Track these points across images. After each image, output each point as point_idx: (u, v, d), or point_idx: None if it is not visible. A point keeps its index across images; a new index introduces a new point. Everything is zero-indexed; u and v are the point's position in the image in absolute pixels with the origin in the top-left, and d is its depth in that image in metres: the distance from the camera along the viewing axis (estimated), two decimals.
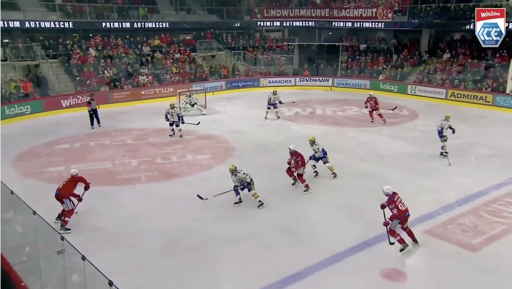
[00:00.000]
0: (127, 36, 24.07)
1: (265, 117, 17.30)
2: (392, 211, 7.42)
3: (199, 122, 15.16)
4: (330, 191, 10.33)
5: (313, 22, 28.17)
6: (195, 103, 18.61)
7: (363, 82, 24.71)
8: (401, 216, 7.42)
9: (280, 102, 17.13)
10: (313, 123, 16.86)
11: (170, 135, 14.78)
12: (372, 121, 16.68)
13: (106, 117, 17.35)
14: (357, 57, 26.68)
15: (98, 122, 16.29)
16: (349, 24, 26.79)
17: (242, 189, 9.29)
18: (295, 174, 10.18)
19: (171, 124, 14.69)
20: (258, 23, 28.45)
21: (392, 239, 7.53)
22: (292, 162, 10.01)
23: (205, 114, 18.10)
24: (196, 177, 11.29)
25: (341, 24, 27.07)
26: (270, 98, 17.11)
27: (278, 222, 8.78)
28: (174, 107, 14.64)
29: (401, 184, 10.60)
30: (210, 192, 9.79)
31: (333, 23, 27.33)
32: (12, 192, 6.21)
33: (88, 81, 20.32)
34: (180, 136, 14.61)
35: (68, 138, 14.78)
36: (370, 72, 25.42)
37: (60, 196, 8.29)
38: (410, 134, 15.54)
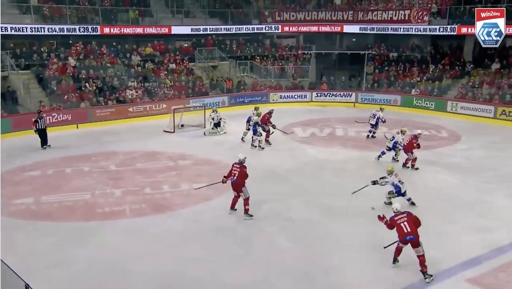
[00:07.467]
0: (114, 43, 24.51)
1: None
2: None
3: None
4: (356, 230, 10.21)
5: (333, 27, 28.28)
6: (220, 120, 18.90)
7: (393, 97, 24.80)
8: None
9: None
10: (332, 146, 16.82)
11: None
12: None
13: (87, 138, 17.47)
14: (386, 68, 26.84)
15: (46, 142, 16.66)
16: (376, 29, 26.99)
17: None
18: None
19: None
20: (268, 28, 28.76)
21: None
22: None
23: (225, 133, 18.74)
24: (191, 210, 11.27)
25: (367, 29, 27.29)
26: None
27: (294, 266, 8.68)
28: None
29: (441, 221, 10.53)
30: (210, 228, 9.80)
31: (357, 28, 27.48)
32: None
33: (66, 96, 20.58)
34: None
35: (40, 163, 14.87)
36: (402, 86, 25.51)
37: (238, 184, 10.50)
38: (450, 160, 15.42)
